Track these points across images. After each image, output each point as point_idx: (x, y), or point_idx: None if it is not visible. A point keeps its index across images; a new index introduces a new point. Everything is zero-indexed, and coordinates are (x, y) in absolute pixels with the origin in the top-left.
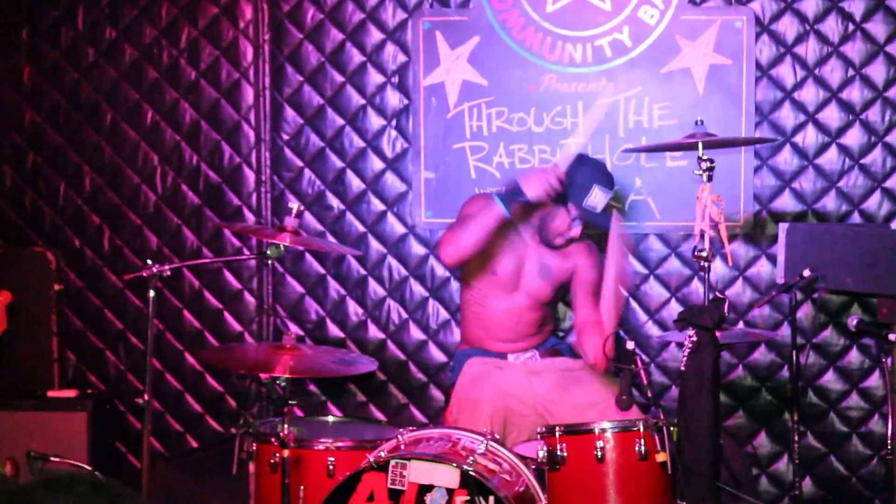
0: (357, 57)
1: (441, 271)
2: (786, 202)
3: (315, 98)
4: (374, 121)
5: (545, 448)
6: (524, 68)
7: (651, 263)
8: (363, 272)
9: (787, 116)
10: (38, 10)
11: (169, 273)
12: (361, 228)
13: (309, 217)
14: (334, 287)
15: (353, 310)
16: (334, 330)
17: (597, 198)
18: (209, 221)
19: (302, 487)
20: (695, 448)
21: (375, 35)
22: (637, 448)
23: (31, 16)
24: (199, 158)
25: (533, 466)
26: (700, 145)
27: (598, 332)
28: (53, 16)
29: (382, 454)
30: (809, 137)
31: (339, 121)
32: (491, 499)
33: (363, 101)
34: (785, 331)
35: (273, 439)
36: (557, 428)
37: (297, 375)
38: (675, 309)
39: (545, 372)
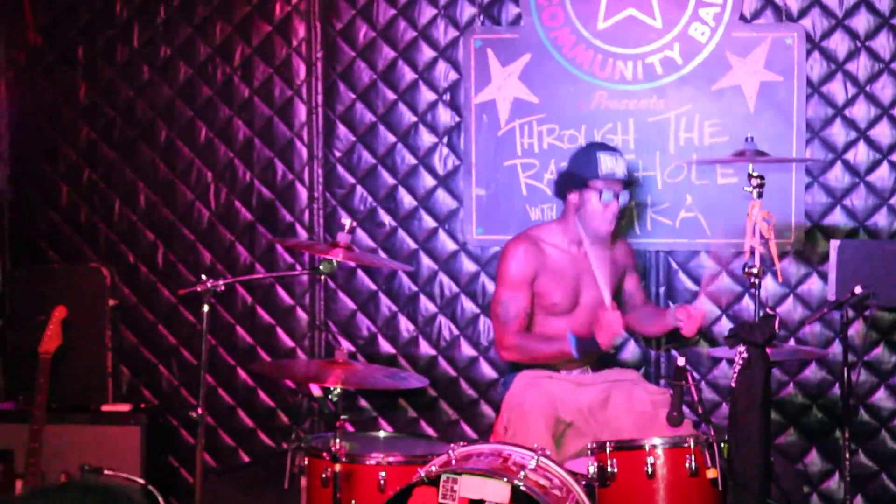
0: (409, 74)
1: (492, 288)
2: (837, 219)
3: (367, 115)
4: (426, 138)
5: (595, 464)
6: (575, 85)
7: (702, 280)
8: (414, 289)
9: (838, 133)
10: (95, 28)
11: (223, 288)
12: (413, 245)
13: (361, 233)
14: (386, 303)
15: (405, 326)
16: (386, 346)
17: (607, 162)
18: (262, 238)
19: (353, 502)
20: (745, 465)
21: (427, 53)
22: (687, 464)
23: (88, 34)
24: (253, 175)
25: (583, 482)
26: (750, 165)
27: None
28: (109, 34)
29: (433, 469)
30: (861, 154)
31: (391, 138)
32: None
33: (415, 119)
34: (836, 348)
35: (325, 454)
36: (608, 444)
37: (349, 387)
38: (725, 326)
39: (593, 384)
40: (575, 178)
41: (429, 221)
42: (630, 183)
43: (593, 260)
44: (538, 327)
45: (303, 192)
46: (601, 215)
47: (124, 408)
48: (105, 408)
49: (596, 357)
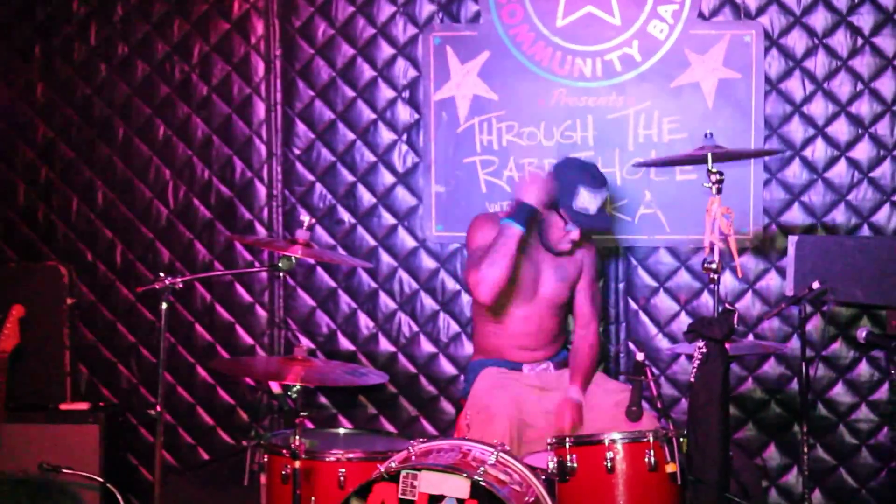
0: (368, 72)
1: (452, 284)
2: (795, 215)
3: (326, 113)
4: (385, 135)
5: (555, 459)
6: (534, 83)
7: (661, 277)
8: (374, 286)
9: (796, 130)
10: (52, 26)
11: (181, 286)
12: (372, 242)
13: (320, 231)
14: (345, 300)
15: (364, 323)
16: (345, 343)
17: (584, 199)
18: (221, 235)
19: (313, 498)
20: (704, 459)
21: (386, 50)
22: (647, 459)
23: (45, 32)
24: (211, 173)
25: (543, 477)
26: (710, 158)
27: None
28: (66, 32)
29: (393, 465)
30: (818, 151)
31: (351, 135)
32: None
33: (374, 116)
34: (794, 343)
35: (284, 451)
36: (567, 439)
37: (309, 384)
38: (684, 322)
39: (555, 390)
40: (550, 196)
41: (388, 218)
42: (593, 226)
43: (544, 262)
44: (486, 316)
45: (262, 190)
46: (559, 238)
47: (83, 406)
48: (63, 406)
49: (538, 222)
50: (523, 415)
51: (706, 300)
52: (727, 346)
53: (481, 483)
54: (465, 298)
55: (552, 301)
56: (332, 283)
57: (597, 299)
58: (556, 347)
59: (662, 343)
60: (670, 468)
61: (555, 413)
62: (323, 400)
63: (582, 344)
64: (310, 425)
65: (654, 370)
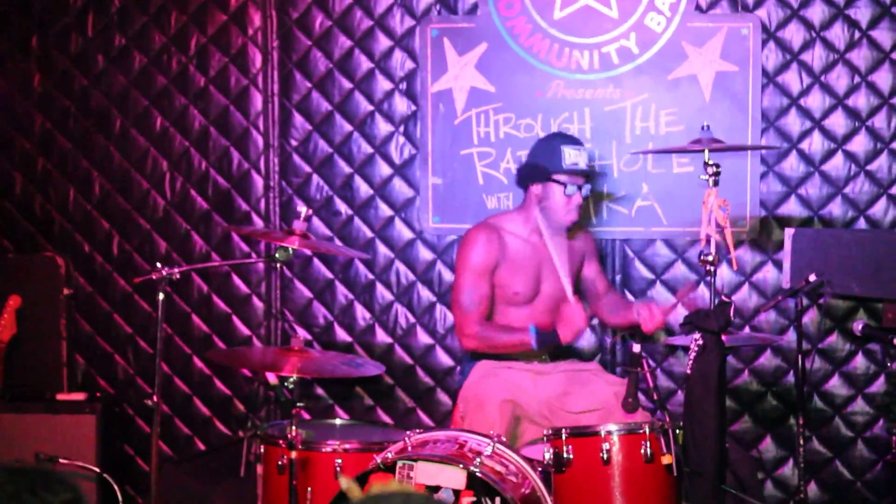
0: (365, 63)
1: (448, 276)
2: (792, 208)
3: (323, 104)
4: (382, 127)
5: (551, 450)
6: (531, 75)
7: (658, 269)
8: (371, 277)
9: (793, 123)
10: (49, 17)
11: (178, 276)
12: (369, 234)
13: (317, 222)
14: (342, 292)
15: (361, 314)
16: (342, 334)
17: (571, 155)
18: (218, 227)
19: (309, 489)
20: (700, 451)
21: (384, 42)
22: (643, 450)
23: (42, 23)
24: (208, 164)
25: (539, 469)
26: (706, 151)
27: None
28: (63, 23)
29: (390, 456)
30: (815, 144)
31: (348, 127)
32: (497, 500)
33: (371, 108)
34: (791, 336)
35: (281, 441)
36: (563, 430)
37: (305, 375)
38: (681, 314)
39: (552, 373)
40: (538, 169)
41: (385, 210)
42: (591, 175)
43: (554, 252)
44: (499, 317)
45: (259, 181)
46: (564, 207)
47: (79, 397)
48: (60, 396)
49: (553, 348)
50: (517, 403)
51: (703, 292)
52: (723, 338)
53: (477, 474)
54: None
55: (554, 297)
56: (329, 275)
57: (607, 275)
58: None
59: (659, 335)
60: (666, 460)
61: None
62: (319, 391)
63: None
64: (306, 416)
65: (651, 362)
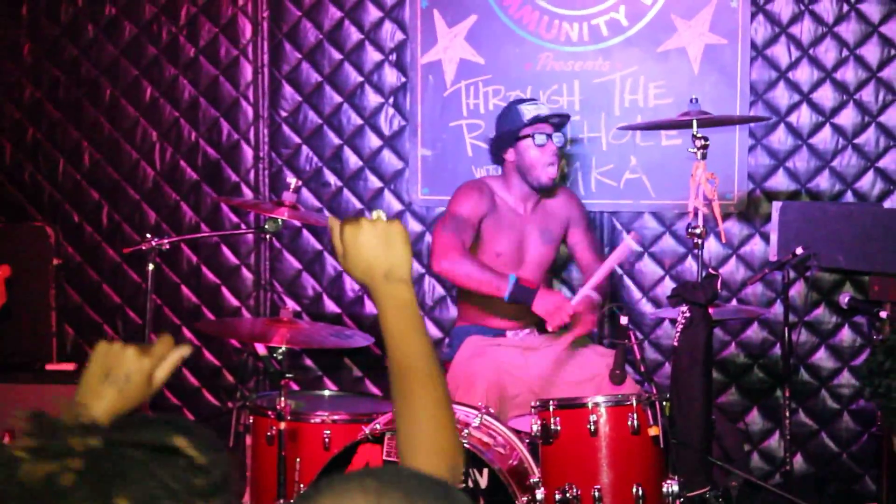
0: (355, 35)
1: None
2: (779, 181)
3: (313, 75)
4: (372, 98)
5: (539, 422)
6: (521, 46)
7: (646, 241)
8: None
9: (781, 96)
10: None
11: (167, 247)
12: (358, 205)
13: (306, 193)
14: (331, 263)
15: (350, 286)
16: (331, 306)
17: (529, 110)
18: (207, 197)
19: (298, 460)
20: (687, 422)
21: (373, 13)
22: (629, 422)
23: None
24: (198, 135)
25: (527, 440)
26: (694, 123)
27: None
28: None
29: (378, 427)
30: (804, 117)
31: (337, 98)
32: (485, 472)
33: (361, 79)
34: (777, 308)
35: (270, 412)
36: (551, 402)
37: (294, 346)
38: (669, 286)
39: (541, 348)
40: (505, 135)
41: (374, 182)
42: (559, 122)
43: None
44: None
45: (248, 152)
46: (540, 160)
47: (69, 367)
48: (49, 367)
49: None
50: (504, 378)
51: (690, 265)
52: (710, 310)
53: (465, 445)
54: None
55: (539, 265)
56: (318, 246)
57: (596, 245)
58: None
59: (647, 307)
60: (653, 431)
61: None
62: (308, 362)
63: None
64: (295, 387)
65: (638, 334)
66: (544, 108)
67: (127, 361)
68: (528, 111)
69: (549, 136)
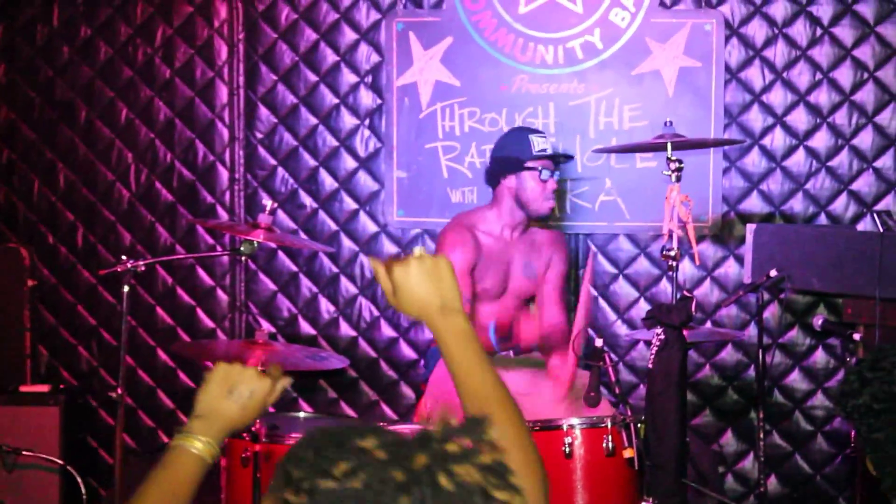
0: (331, 57)
1: None
2: (754, 203)
3: (289, 97)
4: (348, 120)
5: None
6: (496, 69)
7: (620, 263)
8: (335, 270)
9: (755, 119)
10: (14, 7)
11: (143, 268)
12: (334, 227)
13: (282, 215)
14: (306, 285)
15: (326, 307)
16: (306, 327)
17: (538, 143)
18: (183, 219)
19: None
20: (662, 444)
21: (349, 35)
22: (604, 444)
23: (7, 13)
24: (173, 156)
25: None
26: (669, 146)
27: (565, 343)
28: (29, 13)
29: None
30: (777, 140)
31: (313, 120)
32: None
33: (336, 101)
34: (752, 331)
35: (244, 434)
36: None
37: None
38: (644, 308)
39: (518, 367)
40: (509, 161)
41: (350, 203)
42: (560, 161)
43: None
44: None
45: (224, 174)
46: (541, 194)
47: (43, 388)
48: (23, 388)
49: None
50: None
51: (665, 287)
52: (685, 332)
53: None
54: None
55: (520, 296)
56: (294, 268)
57: (563, 296)
58: (517, 340)
59: (621, 329)
60: (628, 453)
61: (551, 374)
62: None
63: (557, 332)
64: (270, 409)
65: (613, 356)
66: (550, 145)
67: (250, 380)
68: (537, 144)
69: (552, 173)
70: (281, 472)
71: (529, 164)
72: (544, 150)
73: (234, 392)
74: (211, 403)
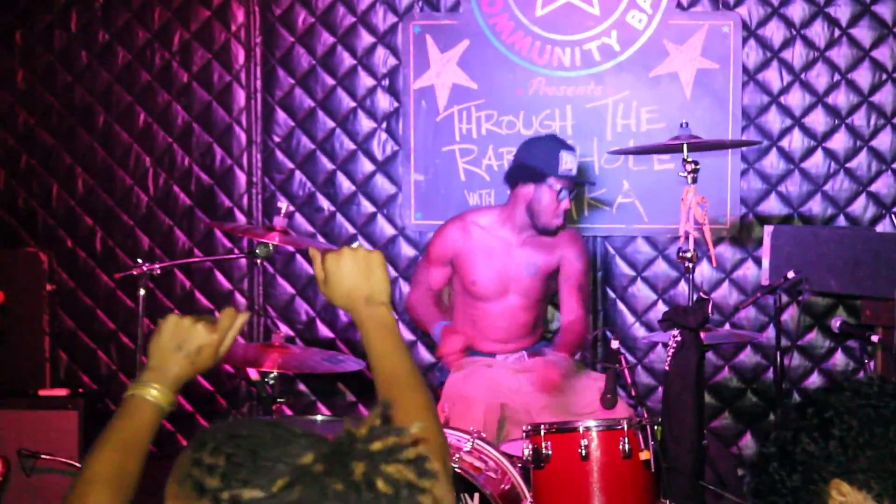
0: (348, 60)
1: None
2: (772, 205)
3: (306, 101)
4: (365, 123)
5: (530, 446)
6: (513, 72)
7: (639, 265)
8: None
9: (773, 120)
10: (32, 12)
11: (159, 271)
12: (351, 230)
13: (300, 218)
14: None
15: (343, 311)
16: (324, 330)
17: (566, 161)
18: (200, 223)
19: None
20: (679, 446)
21: (366, 38)
22: (621, 446)
23: (25, 18)
24: (191, 160)
25: (519, 465)
26: (685, 147)
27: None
28: (47, 19)
29: None
30: (796, 141)
31: (330, 123)
32: (476, 496)
33: (354, 104)
34: (770, 333)
35: None
36: (542, 426)
37: (287, 371)
38: (662, 310)
39: (533, 370)
40: (534, 171)
41: (367, 206)
42: (580, 182)
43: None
44: (466, 307)
45: (241, 178)
46: (553, 211)
47: (62, 392)
48: (42, 392)
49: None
50: (502, 396)
51: (683, 289)
52: (702, 334)
53: (457, 470)
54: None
55: (524, 296)
56: (312, 271)
57: (584, 291)
58: (532, 339)
59: (640, 332)
60: (644, 456)
61: (538, 371)
62: (301, 387)
63: (568, 331)
64: (288, 412)
65: (629, 358)
66: (576, 164)
67: (199, 336)
68: (565, 163)
69: (570, 192)
70: (188, 479)
71: (552, 181)
72: (570, 171)
73: (182, 348)
74: (163, 356)
